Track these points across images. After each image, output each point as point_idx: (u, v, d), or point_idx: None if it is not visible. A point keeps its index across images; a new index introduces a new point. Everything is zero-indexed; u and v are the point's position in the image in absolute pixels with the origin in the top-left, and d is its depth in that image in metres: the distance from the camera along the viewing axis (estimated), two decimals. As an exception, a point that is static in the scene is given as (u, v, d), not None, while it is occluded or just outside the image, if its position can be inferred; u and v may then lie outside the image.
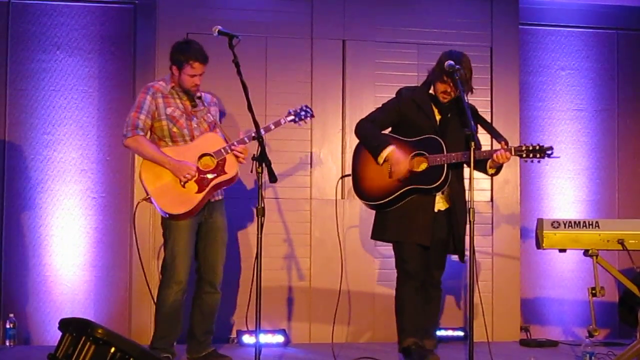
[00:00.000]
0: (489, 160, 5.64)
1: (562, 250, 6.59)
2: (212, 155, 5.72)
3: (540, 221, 6.53)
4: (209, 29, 5.38)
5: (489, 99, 7.40)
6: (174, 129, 5.73)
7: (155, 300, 5.83)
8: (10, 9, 7.09)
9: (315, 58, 7.20)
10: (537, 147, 5.51)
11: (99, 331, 3.99)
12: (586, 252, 6.46)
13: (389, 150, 5.69)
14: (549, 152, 5.51)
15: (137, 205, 5.93)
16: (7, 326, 6.63)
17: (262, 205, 5.13)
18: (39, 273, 7.03)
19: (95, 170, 7.17)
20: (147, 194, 5.66)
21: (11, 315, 6.69)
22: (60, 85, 7.15)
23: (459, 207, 5.74)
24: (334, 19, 7.23)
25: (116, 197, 7.18)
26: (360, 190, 5.87)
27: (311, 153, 7.11)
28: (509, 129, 7.40)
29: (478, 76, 7.21)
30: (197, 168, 5.66)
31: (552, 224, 6.48)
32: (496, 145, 5.89)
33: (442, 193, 5.75)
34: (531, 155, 5.51)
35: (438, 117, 5.76)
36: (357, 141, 5.98)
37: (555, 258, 7.49)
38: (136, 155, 6.91)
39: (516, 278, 7.39)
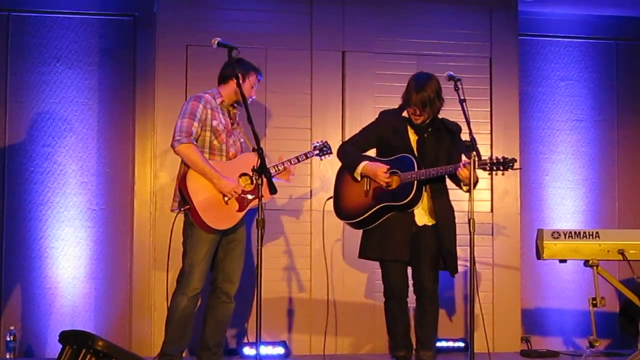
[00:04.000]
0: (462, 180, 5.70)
1: (563, 261, 6.59)
2: (250, 176, 5.72)
3: (540, 231, 6.53)
4: (209, 40, 5.38)
5: (489, 109, 7.41)
6: (215, 142, 5.71)
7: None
8: (10, 21, 7.11)
9: (315, 69, 7.21)
10: (501, 160, 5.51)
11: (100, 343, 3.99)
12: (586, 263, 6.47)
13: (363, 164, 5.82)
14: (511, 164, 5.51)
15: (176, 217, 5.68)
16: (8, 339, 6.62)
17: (262, 216, 5.13)
18: (40, 285, 7.02)
19: (96, 182, 7.18)
20: (188, 205, 5.57)
21: (12, 327, 6.68)
22: (60, 97, 7.16)
23: (444, 222, 5.79)
24: (333, 30, 7.24)
25: (116, 209, 7.18)
26: (339, 209, 6.00)
27: (311, 164, 7.11)
28: (509, 139, 7.41)
29: (477, 87, 7.29)
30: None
31: (552, 235, 6.48)
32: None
33: (419, 206, 5.77)
34: (494, 168, 5.51)
35: (415, 138, 5.85)
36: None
37: (555, 268, 7.47)
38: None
39: (516, 288, 7.39)
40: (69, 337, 4.17)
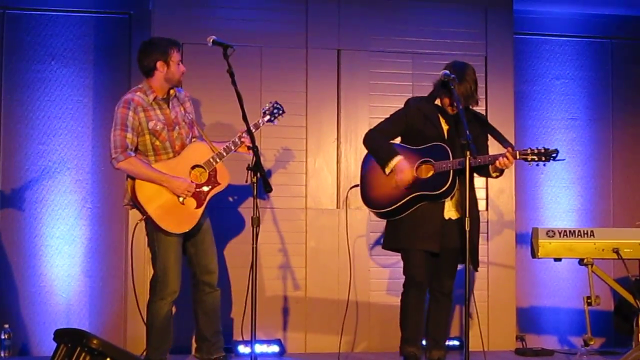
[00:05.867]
0: (491, 165, 5.65)
1: (557, 259, 6.62)
2: (202, 167, 5.64)
3: (535, 230, 6.55)
4: (204, 39, 5.38)
5: (484, 108, 7.40)
6: (157, 143, 5.58)
7: (145, 314, 5.77)
8: (5, 19, 7.10)
9: (310, 68, 7.20)
10: (543, 151, 5.49)
11: (94, 342, 3.98)
12: (581, 261, 6.49)
13: (396, 160, 5.68)
14: (554, 155, 5.49)
15: (135, 226, 5.73)
16: (2, 337, 6.61)
17: (257, 215, 5.13)
18: (34, 283, 7.02)
19: (90, 180, 7.17)
20: (145, 215, 5.52)
21: (6, 326, 6.67)
22: (55, 95, 7.16)
23: (471, 215, 5.51)
24: (328, 28, 7.24)
25: (111, 207, 7.18)
26: (369, 199, 5.85)
27: (306, 162, 7.11)
28: (504, 138, 7.41)
29: (473, 85, 7.26)
30: (195, 183, 5.59)
31: (547, 233, 6.51)
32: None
33: (451, 199, 5.70)
34: (536, 159, 5.49)
35: (446, 127, 5.75)
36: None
37: (550, 267, 7.48)
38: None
39: (512, 287, 7.39)
40: (63, 335, 4.17)
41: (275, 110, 6.03)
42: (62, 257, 7.08)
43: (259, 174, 5.18)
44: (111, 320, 7.12)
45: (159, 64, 5.61)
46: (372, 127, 6.07)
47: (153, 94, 5.64)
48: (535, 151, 5.50)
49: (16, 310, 6.98)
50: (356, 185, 6.00)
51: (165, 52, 5.61)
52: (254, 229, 5.09)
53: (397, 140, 5.93)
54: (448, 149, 5.62)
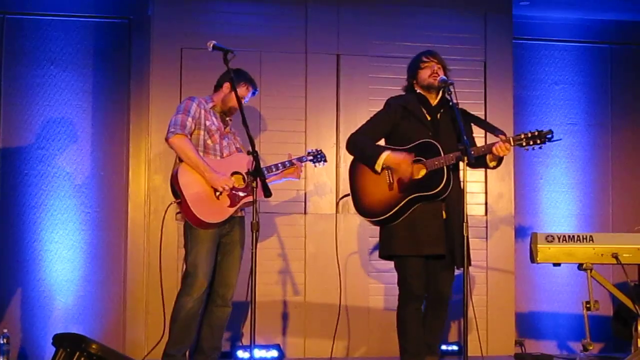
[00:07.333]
0: (488, 154, 5.55)
1: (557, 264, 6.60)
2: (243, 175, 5.79)
3: (534, 235, 6.54)
4: (204, 43, 5.39)
5: (483, 113, 7.40)
6: (208, 141, 5.78)
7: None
8: (4, 24, 7.11)
9: (309, 72, 7.21)
10: (536, 133, 5.42)
11: (93, 346, 3.99)
12: (580, 266, 6.48)
13: (385, 155, 5.51)
14: (549, 136, 5.42)
15: (168, 207, 5.81)
16: (1, 342, 6.58)
17: (257, 219, 5.13)
18: (33, 288, 7.01)
19: (90, 185, 7.17)
20: (180, 198, 5.62)
21: (5, 330, 6.66)
22: (54, 100, 7.16)
23: (459, 215, 5.36)
24: (328, 33, 7.24)
25: (110, 212, 7.18)
26: (362, 207, 5.64)
27: (305, 167, 7.10)
28: (503, 143, 7.41)
29: (472, 90, 7.28)
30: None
31: (546, 238, 6.49)
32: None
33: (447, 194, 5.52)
34: (531, 142, 5.40)
35: (429, 118, 5.64)
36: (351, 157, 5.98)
37: (549, 272, 7.48)
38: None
39: (510, 292, 7.39)
40: (62, 340, 4.17)
41: (319, 156, 6.38)
42: (61, 261, 7.08)
43: (258, 179, 5.19)
44: (110, 325, 7.12)
45: (225, 85, 5.90)
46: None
47: (212, 103, 5.92)
48: (529, 135, 5.39)
49: (15, 314, 6.97)
50: (346, 195, 5.85)
51: (237, 80, 5.79)
52: (254, 234, 5.10)
53: (382, 142, 5.79)
54: (438, 145, 5.47)
